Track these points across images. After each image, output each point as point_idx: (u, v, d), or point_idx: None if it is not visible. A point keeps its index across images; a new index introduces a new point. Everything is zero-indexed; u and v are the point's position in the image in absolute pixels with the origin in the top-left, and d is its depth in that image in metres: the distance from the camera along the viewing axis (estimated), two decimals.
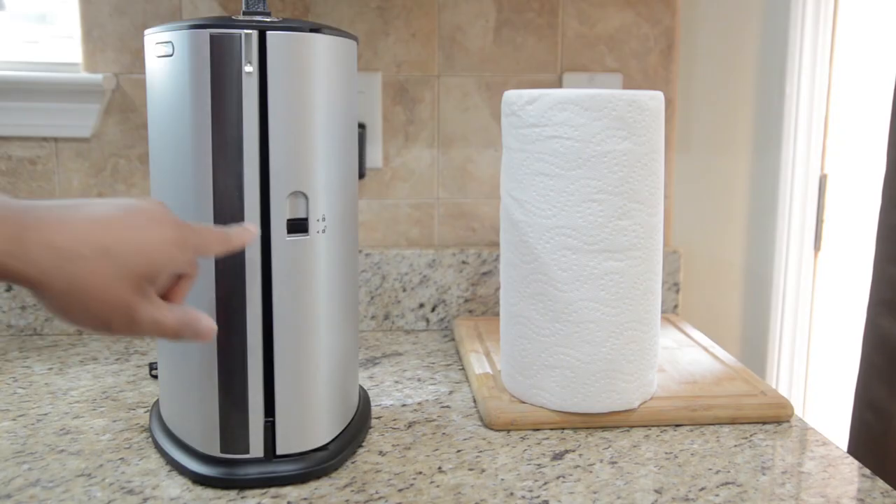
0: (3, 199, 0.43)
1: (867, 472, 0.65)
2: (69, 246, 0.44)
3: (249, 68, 0.58)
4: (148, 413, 0.76)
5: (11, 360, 0.91)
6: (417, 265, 1.04)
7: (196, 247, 0.51)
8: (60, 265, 0.43)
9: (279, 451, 0.63)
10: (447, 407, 0.79)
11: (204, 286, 0.60)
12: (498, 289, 1.06)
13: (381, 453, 0.68)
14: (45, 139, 1.00)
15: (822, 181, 1.09)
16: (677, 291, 1.10)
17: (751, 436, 0.72)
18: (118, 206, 0.47)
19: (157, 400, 0.73)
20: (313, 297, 0.63)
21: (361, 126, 1.03)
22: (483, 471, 0.65)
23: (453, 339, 1.01)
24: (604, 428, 0.73)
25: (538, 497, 0.61)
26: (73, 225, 0.44)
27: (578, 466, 0.66)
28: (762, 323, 1.13)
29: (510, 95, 0.73)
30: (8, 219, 0.42)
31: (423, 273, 1.05)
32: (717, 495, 0.61)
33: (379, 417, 0.76)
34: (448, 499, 0.60)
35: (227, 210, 0.59)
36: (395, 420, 0.75)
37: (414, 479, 0.64)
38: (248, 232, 0.55)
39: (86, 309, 0.45)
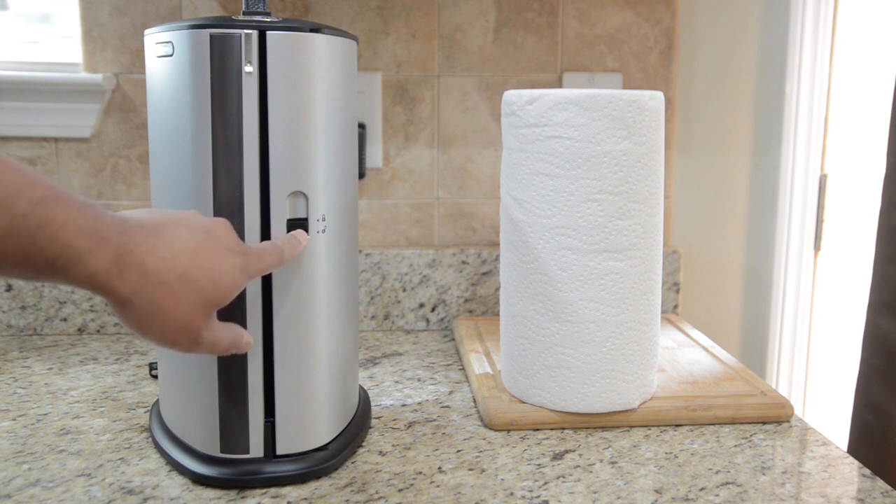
0: (102, 213, 0.46)
1: (867, 472, 0.65)
2: (157, 271, 0.48)
3: (249, 68, 0.58)
4: (148, 413, 0.76)
5: (11, 360, 0.91)
6: (417, 265, 1.04)
7: (258, 271, 0.56)
8: (147, 288, 0.48)
9: (279, 451, 0.63)
10: (447, 407, 0.79)
11: None
12: (498, 289, 1.06)
13: (381, 453, 0.68)
14: (45, 139, 1.00)
15: (822, 181, 1.09)
16: (677, 291, 1.10)
17: (751, 436, 0.72)
18: (198, 232, 0.51)
19: (157, 400, 0.73)
20: (313, 298, 0.63)
21: (361, 126, 1.03)
22: (483, 471, 0.65)
23: (453, 339, 1.01)
24: (604, 428, 0.73)
25: (538, 497, 0.61)
26: (163, 253, 0.49)
27: (578, 466, 0.66)
28: (762, 323, 1.13)
29: (510, 95, 0.73)
30: (111, 239, 0.46)
31: (423, 273, 1.05)
32: (717, 495, 0.61)
33: (379, 417, 0.76)
34: (448, 499, 0.60)
35: (227, 210, 0.59)
36: (395, 420, 0.75)
37: (414, 479, 0.64)
38: (297, 241, 0.59)
39: (159, 328, 0.49)
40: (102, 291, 0.47)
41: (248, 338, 0.55)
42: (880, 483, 0.63)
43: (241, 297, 0.60)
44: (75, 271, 0.45)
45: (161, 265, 0.48)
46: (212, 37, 0.57)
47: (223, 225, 0.54)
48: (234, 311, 0.60)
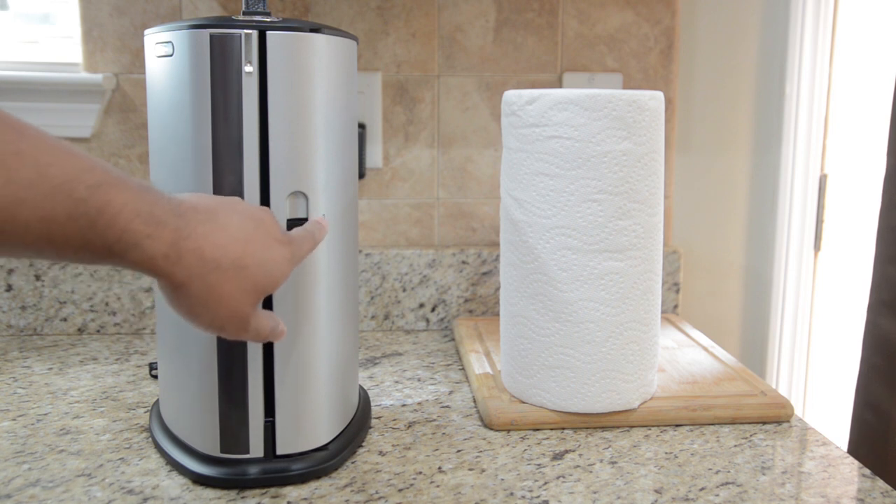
0: (159, 197, 0.47)
1: (867, 472, 0.65)
2: (214, 257, 0.49)
3: (249, 68, 0.58)
4: (148, 413, 0.76)
5: (11, 360, 0.91)
6: (417, 265, 1.04)
7: (301, 259, 0.57)
8: (203, 273, 0.48)
9: (279, 451, 0.63)
10: (447, 407, 0.79)
11: None
12: (498, 289, 1.06)
13: (381, 453, 0.68)
14: None
15: (822, 181, 1.09)
16: (677, 291, 1.10)
17: (751, 436, 0.72)
18: (248, 220, 0.52)
19: (157, 400, 0.73)
20: (313, 297, 0.63)
21: (361, 126, 1.03)
22: (483, 471, 0.65)
23: (453, 339, 1.01)
24: (604, 428, 0.73)
25: (538, 497, 0.61)
26: (218, 239, 0.49)
27: (578, 466, 0.66)
28: (762, 323, 1.13)
29: (510, 95, 0.73)
30: (169, 223, 0.46)
31: (423, 273, 1.05)
32: (717, 495, 0.61)
33: (379, 417, 0.76)
34: (448, 499, 0.60)
35: None
36: (395, 420, 0.75)
37: (414, 479, 0.64)
38: (322, 226, 0.61)
39: (212, 313, 0.50)
40: (160, 275, 0.47)
41: (283, 327, 0.56)
42: (880, 483, 0.63)
43: None
44: (134, 255, 0.45)
45: (217, 251, 0.49)
46: (212, 37, 0.57)
47: (269, 214, 0.55)
48: None
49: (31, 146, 0.41)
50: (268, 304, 0.61)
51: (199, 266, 0.48)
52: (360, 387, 0.77)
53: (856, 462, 0.67)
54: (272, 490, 0.61)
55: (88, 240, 0.43)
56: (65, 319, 1.01)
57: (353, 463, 0.66)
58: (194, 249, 0.48)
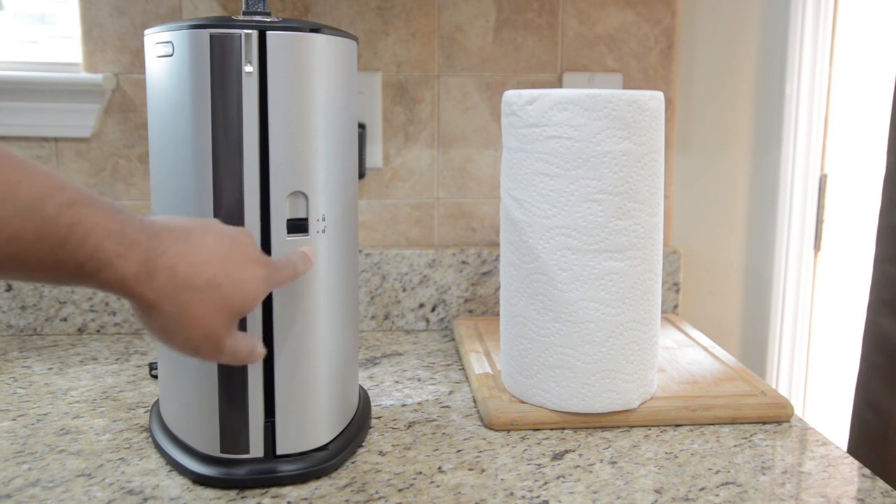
0: (131, 217, 0.46)
1: (867, 472, 0.65)
2: (187, 276, 0.48)
3: (249, 68, 0.58)
4: (148, 413, 0.76)
5: (11, 360, 0.91)
6: (417, 265, 1.04)
7: (278, 283, 0.56)
8: (176, 292, 0.47)
9: (279, 451, 0.63)
10: (447, 407, 0.79)
11: None
12: (498, 289, 1.06)
13: (381, 453, 0.68)
14: (45, 139, 1.00)
15: (822, 181, 1.09)
16: (677, 291, 1.10)
17: (751, 436, 0.72)
18: (224, 240, 0.52)
19: (157, 400, 0.73)
20: (313, 298, 0.63)
21: (361, 126, 1.03)
22: (483, 471, 0.65)
23: (453, 339, 1.01)
24: (604, 428, 0.73)
25: (538, 497, 0.61)
26: (192, 259, 0.49)
27: (578, 466, 0.66)
28: (762, 323, 1.13)
29: (510, 95, 0.73)
30: (140, 243, 0.46)
31: (423, 273, 1.05)
32: (717, 495, 0.61)
33: (379, 417, 0.76)
34: (448, 499, 0.60)
35: (227, 210, 0.59)
36: (395, 420, 0.75)
37: (414, 479, 0.64)
38: (307, 258, 0.60)
39: (185, 334, 0.49)
40: (131, 295, 0.47)
41: (262, 349, 0.55)
42: (880, 483, 0.63)
43: None
44: (105, 275, 0.45)
45: (190, 270, 0.48)
46: (212, 37, 0.57)
47: (247, 235, 0.55)
48: None
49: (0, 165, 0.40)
50: (268, 304, 0.61)
51: (171, 285, 0.47)
52: (360, 387, 0.77)
53: (856, 462, 0.67)
54: (272, 490, 0.61)
55: (59, 259, 0.43)
56: (65, 319, 1.01)
57: (353, 463, 0.66)
58: (167, 268, 0.47)
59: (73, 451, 0.68)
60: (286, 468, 0.62)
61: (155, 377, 0.86)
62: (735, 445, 0.70)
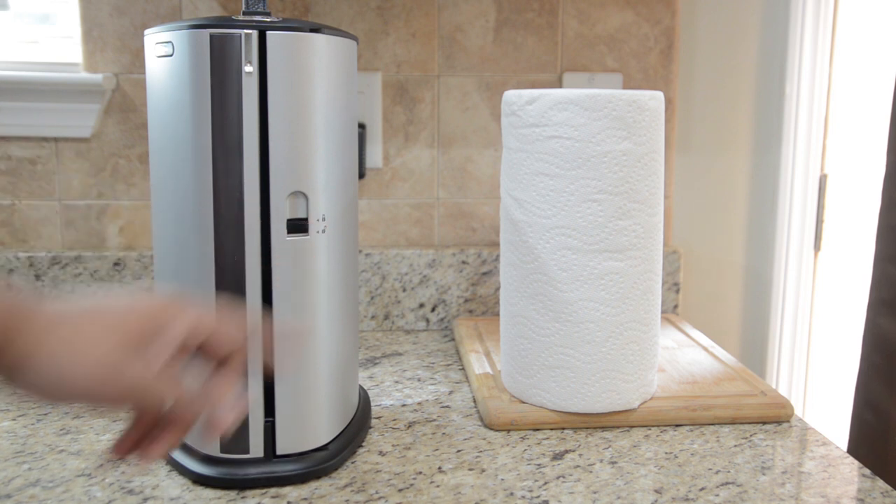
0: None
1: (867, 472, 0.65)
2: (58, 311, 0.43)
3: (249, 68, 0.58)
4: None
5: None
6: (417, 265, 1.04)
7: (201, 313, 0.48)
8: (49, 329, 0.42)
9: (279, 451, 0.63)
10: (447, 407, 0.79)
11: (204, 287, 0.60)
12: (498, 289, 1.06)
13: (381, 453, 0.68)
14: (45, 139, 1.00)
15: (822, 181, 1.09)
16: (677, 291, 1.10)
17: (751, 436, 0.72)
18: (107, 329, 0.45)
19: None
20: (313, 298, 0.63)
21: (361, 126, 1.03)
22: (483, 471, 0.65)
23: (453, 339, 1.01)
24: (604, 428, 0.73)
25: (538, 497, 0.61)
26: (63, 301, 0.44)
27: (578, 466, 0.66)
28: (762, 323, 1.13)
29: (510, 95, 0.73)
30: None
31: (423, 273, 1.05)
32: (717, 495, 0.61)
33: (379, 417, 0.76)
34: (448, 499, 0.60)
35: (227, 210, 0.59)
36: (395, 420, 0.75)
37: (414, 479, 0.64)
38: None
39: (73, 371, 0.43)
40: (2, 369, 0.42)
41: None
42: (880, 483, 0.63)
43: (242, 297, 0.60)
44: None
45: (63, 307, 0.44)
46: (212, 37, 0.57)
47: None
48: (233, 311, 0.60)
49: None
50: (268, 304, 0.61)
51: (41, 327, 0.43)
52: (360, 387, 0.77)
53: (856, 462, 0.67)
54: (272, 490, 0.61)
55: None
56: None
57: (353, 463, 0.66)
58: (33, 313, 0.43)
59: (73, 451, 0.68)
60: (286, 468, 0.62)
61: None
62: (735, 445, 0.70)
